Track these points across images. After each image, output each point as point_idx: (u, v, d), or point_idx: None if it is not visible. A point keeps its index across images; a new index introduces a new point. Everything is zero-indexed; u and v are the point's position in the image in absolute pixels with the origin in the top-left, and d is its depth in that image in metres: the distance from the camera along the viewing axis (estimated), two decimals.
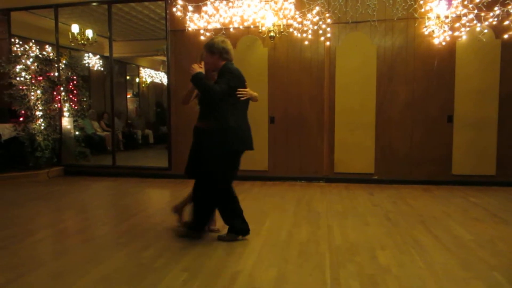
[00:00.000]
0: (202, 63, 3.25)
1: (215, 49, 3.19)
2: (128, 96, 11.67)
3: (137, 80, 12.22)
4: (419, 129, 5.67)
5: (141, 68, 12.18)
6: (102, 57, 10.04)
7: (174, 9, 5.99)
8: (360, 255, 2.96)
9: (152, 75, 12.68)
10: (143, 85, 12.45)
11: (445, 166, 5.63)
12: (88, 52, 9.63)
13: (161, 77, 12.84)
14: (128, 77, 11.75)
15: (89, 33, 7.95)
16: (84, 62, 9.62)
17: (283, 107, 5.95)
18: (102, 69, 10.28)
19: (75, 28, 7.72)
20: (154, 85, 12.86)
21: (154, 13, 7.58)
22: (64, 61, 6.79)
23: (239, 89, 3.16)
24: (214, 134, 3.17)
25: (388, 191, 5.25)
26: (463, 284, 2.48)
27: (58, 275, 2.63)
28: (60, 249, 3.19)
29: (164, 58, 7.15)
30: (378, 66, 5.69)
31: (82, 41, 7.89)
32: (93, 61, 10.02)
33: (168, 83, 6.38)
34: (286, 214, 4.11)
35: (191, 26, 6.02)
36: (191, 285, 2.46)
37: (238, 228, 3.30)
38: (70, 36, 7.72)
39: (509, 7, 5.12)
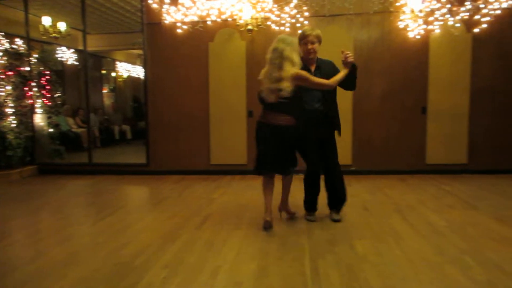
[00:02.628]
0: None
1: None
2: (104, 91, 11.39)
3: (113, 74, 11.94)
4: (395, 121, 5.80)
5: (117, 62, 11.91)
6: (77, 51, 9.75)
7: (150, 1, 5.87)
8: (339, 245, 3.03)
9: (128, 69, 12.43)
10: (120, 79, 12.18)
11: (420, 156, 5.79)
12: (61, 46, 9.31)
13: (138, 71, 12.60)
14: (104, 72, 11.46)
15: (62, 25, 7.69)
16: (57, 56, 9.31)
17: None
18: (76, 63, 9.99)
19: (46, 21, 7.44)
20: (131, 80, 12.60)
21: (130, 5, 7.39)
22: (35, 55, 6.56)
23: None
24: None
25: (365, 182, 5.35)
26: (437, 268, 2.58)
27: (33, 279, 2.56)
28: (35, 252, 3.10)
29: (141, 52, 7.03)
30: (355, 60, 5.70)
31: (54, 34, 7.62)
32: (67, 55, 9.71)
33: (145, 77, 6.27)
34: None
35: (167, 19, 5.92)
36: (171, 282, 2.46)
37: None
38: (42, 29, 7.45)
39: (479, 1, 5.26)
